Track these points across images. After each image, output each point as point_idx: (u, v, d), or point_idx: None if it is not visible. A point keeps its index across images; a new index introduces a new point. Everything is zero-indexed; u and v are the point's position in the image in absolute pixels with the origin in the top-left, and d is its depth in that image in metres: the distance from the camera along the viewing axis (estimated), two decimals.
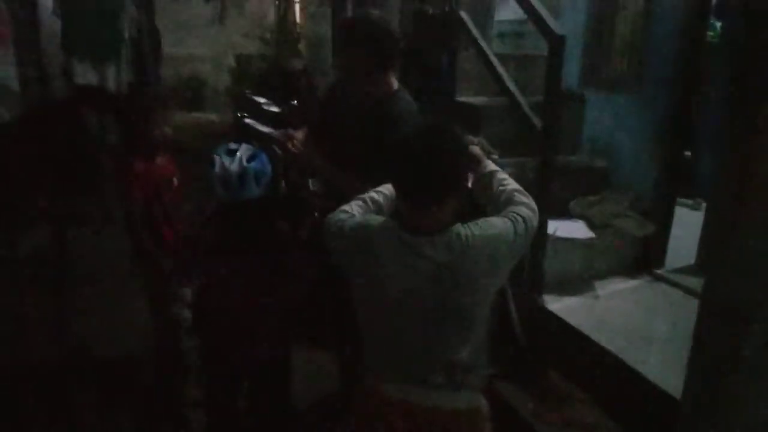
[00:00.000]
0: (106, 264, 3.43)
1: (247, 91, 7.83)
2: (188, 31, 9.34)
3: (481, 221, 1.41)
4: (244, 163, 1.77)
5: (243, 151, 1.81)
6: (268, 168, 1.85)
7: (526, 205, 1.48)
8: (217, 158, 1.80)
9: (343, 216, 1.50)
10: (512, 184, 1.56)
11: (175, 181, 2.54)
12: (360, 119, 2.11)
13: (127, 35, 4.58)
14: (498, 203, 1.52)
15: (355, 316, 1.54)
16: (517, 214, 1.43)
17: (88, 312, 3.03)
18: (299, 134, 2.14)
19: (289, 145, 2.08)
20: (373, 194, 1.61)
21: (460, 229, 1.37)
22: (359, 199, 1.59)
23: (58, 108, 4.49)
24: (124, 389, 2.60)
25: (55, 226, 3.33)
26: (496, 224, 1.41)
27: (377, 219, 1.49)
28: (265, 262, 1.86)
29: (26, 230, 3.95)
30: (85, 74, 4.45)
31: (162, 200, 2.46)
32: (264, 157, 1.85)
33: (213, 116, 9.14)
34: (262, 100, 6.14)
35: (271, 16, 9.68)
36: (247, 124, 6.99)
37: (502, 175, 1.61)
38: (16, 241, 3.60)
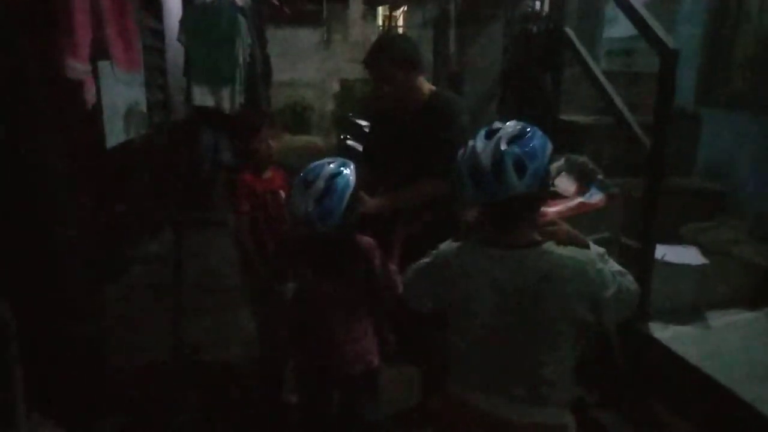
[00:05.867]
0: (218, 270, 3.69)
1: (350, 114, 8.12)
2: (296, 57, 9.85)
3: (578, 248, 1.42)
4: (309, 208, 1.73)
5: (313, 192, 1.73)
6: (340, 206, 1.74)
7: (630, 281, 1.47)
8: (293, 192, 1.81)
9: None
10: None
11: (283, 194, 2.67)
12: (413, 124, 2.26)
13: (241, 61, 4.89)
14: None
15: (438, 329, 1.59)
16: (622, 281, 1.43)
17: (199, 315, 3.25)
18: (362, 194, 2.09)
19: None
20: None
21: (553, 247, 1.39)
22: None
23: (179, 128, 4.92)
24: (227, 390, 2.74)
25: (175, 232, 3.61)
26: (590, 255, 1.40)
27: (449, 244, 1.56)
28: (351, 276, 1.89)
29: (151, 236, 4.36)
30: (203, 97, 4.77)
31: (267, 211, 2.61)
32: (339, 191, 1.74)
33: (317, 139, 9.54)
34: (363, 122, 6.33)
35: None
36: (350, 146, 7.19)
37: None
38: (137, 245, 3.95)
